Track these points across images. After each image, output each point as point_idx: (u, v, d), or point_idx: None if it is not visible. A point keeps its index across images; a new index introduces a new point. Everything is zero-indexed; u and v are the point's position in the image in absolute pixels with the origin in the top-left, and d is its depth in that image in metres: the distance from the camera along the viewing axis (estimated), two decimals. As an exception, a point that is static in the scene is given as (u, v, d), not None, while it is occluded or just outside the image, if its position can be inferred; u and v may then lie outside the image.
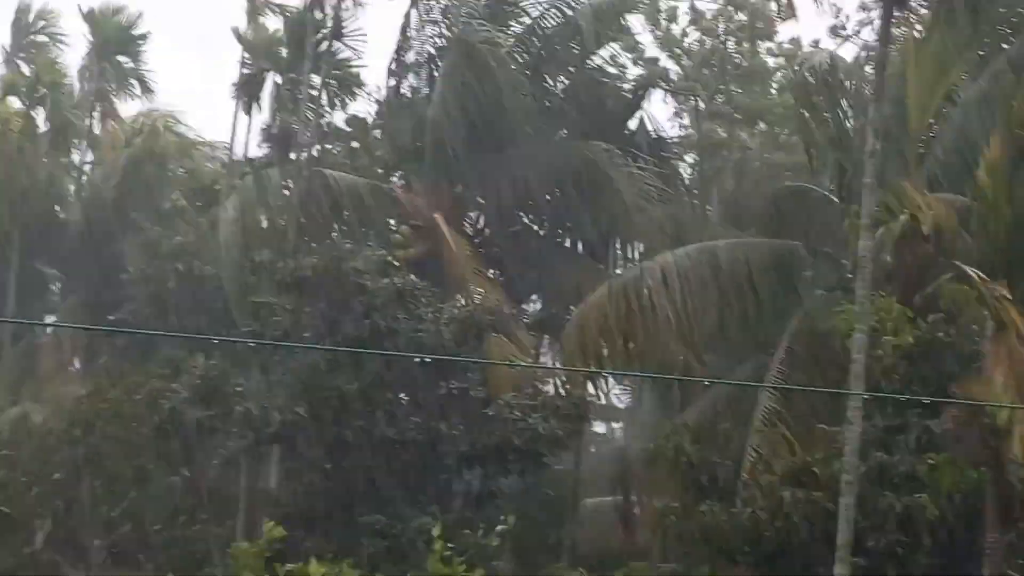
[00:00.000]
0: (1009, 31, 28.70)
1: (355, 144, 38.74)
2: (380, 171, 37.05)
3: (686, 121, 40.94)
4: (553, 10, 35.83)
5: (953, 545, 21.61)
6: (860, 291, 21.19)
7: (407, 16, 35.63)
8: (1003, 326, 19.15)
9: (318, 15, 35.36)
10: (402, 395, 27.68)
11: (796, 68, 32.48)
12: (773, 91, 41.25)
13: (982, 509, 20.46)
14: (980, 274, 19.53)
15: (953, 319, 21.52)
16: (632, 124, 37.04)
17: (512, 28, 35.98)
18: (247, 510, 29.15)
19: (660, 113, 45.03)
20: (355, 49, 36.82)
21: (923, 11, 27.14)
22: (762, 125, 41.40)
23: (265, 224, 35.33)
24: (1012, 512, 19.16)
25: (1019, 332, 19.02)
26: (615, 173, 33.12)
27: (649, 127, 37.19)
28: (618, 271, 32.37)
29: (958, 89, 27.26)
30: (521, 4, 36.38)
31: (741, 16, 40.82)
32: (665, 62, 40.05)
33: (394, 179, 36.76)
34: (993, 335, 19.45)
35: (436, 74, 35.33)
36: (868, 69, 28.66)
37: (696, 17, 40.63)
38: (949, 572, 21.62)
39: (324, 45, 35.69)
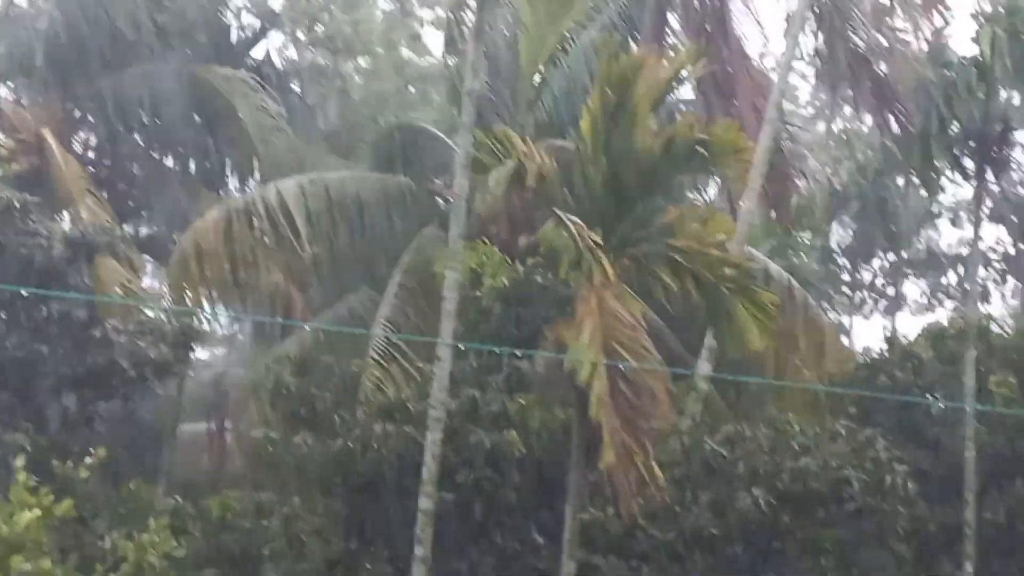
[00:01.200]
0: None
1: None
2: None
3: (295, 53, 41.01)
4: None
5: (541, 482, 22.11)
6: (454, 231, 21.31)
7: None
8: (594, 274, 19.46)
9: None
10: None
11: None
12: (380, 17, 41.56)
13: (569, 448, 20.90)
14: (577, 221, 19.83)
15: (552, 264, 21.87)
16: (258, 53, 36.89)
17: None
18: None
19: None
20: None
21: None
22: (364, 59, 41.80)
23: None
24: (595, 453, 19.63)
25: (608, 280, 19.38)
26: (237, 101, 32.85)
27: (275, 58, 37.14)
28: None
29: (570, 37, 27.88)
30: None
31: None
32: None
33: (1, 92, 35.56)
34: (584, 283, 19.78)
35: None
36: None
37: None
38: (536, 507, 22.08)
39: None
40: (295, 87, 39.35)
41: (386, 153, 29.09)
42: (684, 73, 21.79)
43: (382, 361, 23.95)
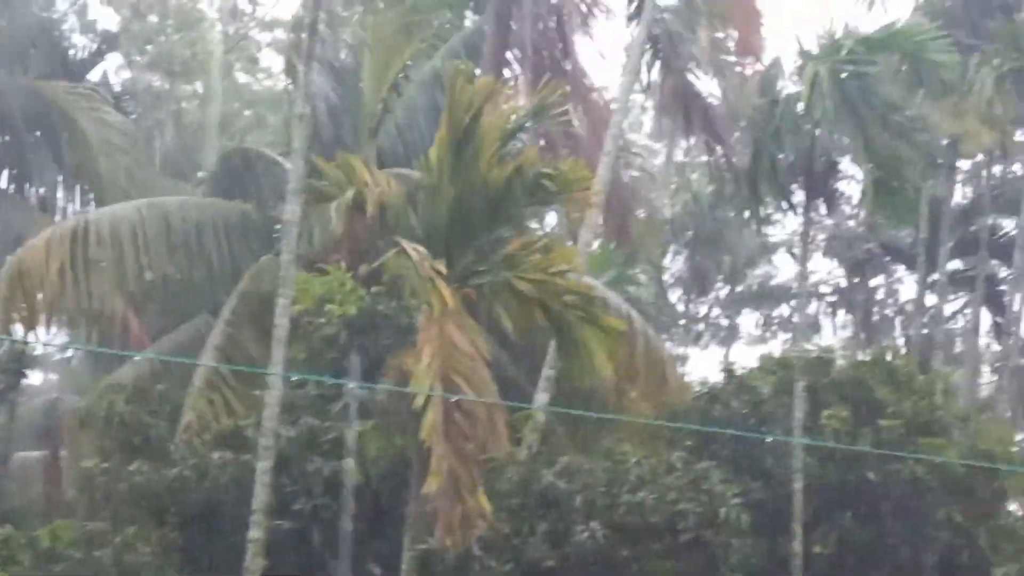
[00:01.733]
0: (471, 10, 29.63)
1: None
2: None
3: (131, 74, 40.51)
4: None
5: (379, 511, 22.09)
6: (285, 257, 21.29)
7: None
8: (436, 303, 19.42)
9: None
10: None
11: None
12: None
13: (407, 478, 20.78)
14: (419, 249, 19.75)
15: (397, 292, 21.84)
16: (95, 75, 36.28)
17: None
18: None
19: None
20: None
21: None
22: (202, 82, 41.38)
23: None
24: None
25: (449, 310, 19.30)
26: (79, 116, 32.13)
27: (113, 78, 36.55)
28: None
29: (415, 64, 27.89)
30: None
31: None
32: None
33: None
34: (426, 311, 19.74)
35: None
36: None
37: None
38: (373, 536, 22.00)
39: None
40: (133, 110, 38.77)
41: (225, 178, 28.83)
42: (529, 105, 21.90)
43: (210, 389, 23.80)
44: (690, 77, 30.76)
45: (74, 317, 26.57)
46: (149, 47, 40.15)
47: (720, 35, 32.58)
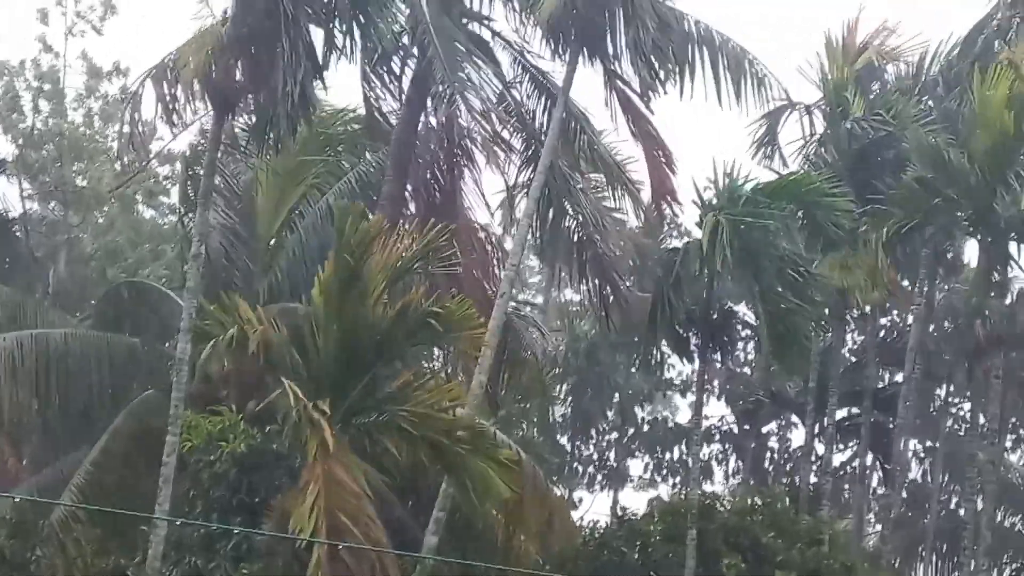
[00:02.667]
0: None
1: None
2: None
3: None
4: None
5: None
6: (176, 395, 21.26)
7: None
8: (319, 444, 19.30)
9: None
10: None
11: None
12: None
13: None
14: (296, 391, 19.73)
15: (285, 431, 21.56)
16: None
17: None
18: None
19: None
20: None
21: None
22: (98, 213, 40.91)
23: None
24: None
25: (333, 450, 19.22)
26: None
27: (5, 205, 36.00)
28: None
29: (309, 200, 27.88)
30: None
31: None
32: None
33: None
34: (311, 450, 19.54)
35: None
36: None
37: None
38: None
39: None
40: (22, 237, 38.13)
41: (114, 311, 28.47)
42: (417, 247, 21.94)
43: (70, 527, 23.37)
44: (584, 222, 30.87)
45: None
46: (46, 176, 39.77)
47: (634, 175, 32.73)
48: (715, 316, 27.50)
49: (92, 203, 40.24)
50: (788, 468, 43.38)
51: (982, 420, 35.71)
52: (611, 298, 31.18)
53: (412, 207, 28.50)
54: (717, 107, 28.53)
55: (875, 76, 36.43)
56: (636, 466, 47.18)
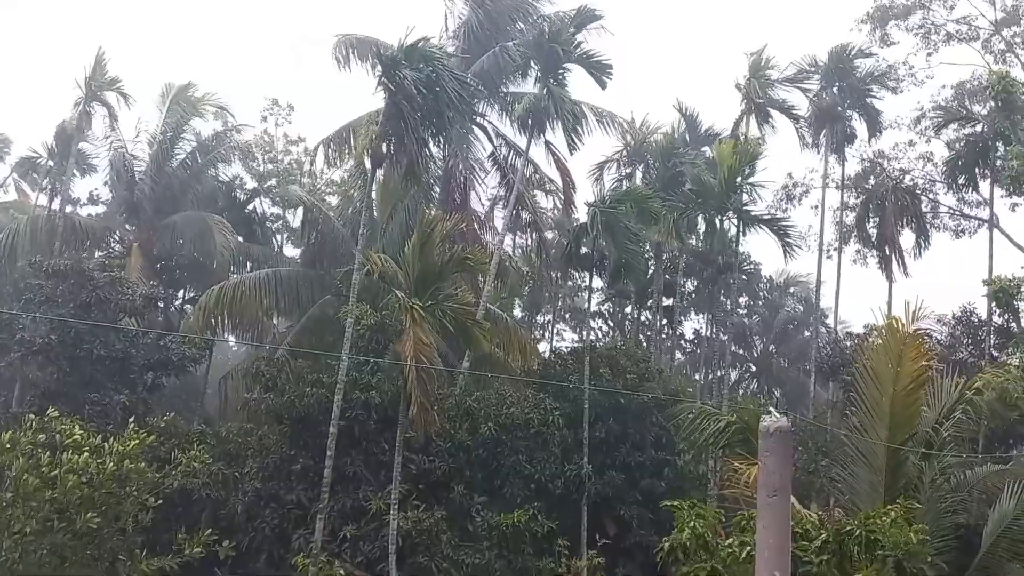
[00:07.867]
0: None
1: None
2: None
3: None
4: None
5: (386, 419, 20.49)
6: (352, 297, 20.18)
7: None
8: (411, 319, 18.89)
9: None
10: None
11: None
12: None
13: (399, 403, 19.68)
14: (400, 294, 19.23)
15: (395, 313, 20.15)
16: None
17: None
18: None
19: None
20: None
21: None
22: None
23: None
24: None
25: (417, 323, 18.72)
26: None
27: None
28: None
29: (399, 207, 25.87)
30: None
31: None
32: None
33: None
34: (407, 322, 19.00)
35: None
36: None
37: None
38: (383, 432, 20.49)
39: None
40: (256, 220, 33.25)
41: (312, 255, 26.95)
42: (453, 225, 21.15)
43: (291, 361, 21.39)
44: (532, 212, 30.84)
45: None
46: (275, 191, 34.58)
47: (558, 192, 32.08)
48: (595, 255, 27.30)
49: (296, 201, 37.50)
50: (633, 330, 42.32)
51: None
52: (543, 249, 31.37)
53: (450, 207, 28.25)
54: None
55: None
56: (565, 329, 45.91)
